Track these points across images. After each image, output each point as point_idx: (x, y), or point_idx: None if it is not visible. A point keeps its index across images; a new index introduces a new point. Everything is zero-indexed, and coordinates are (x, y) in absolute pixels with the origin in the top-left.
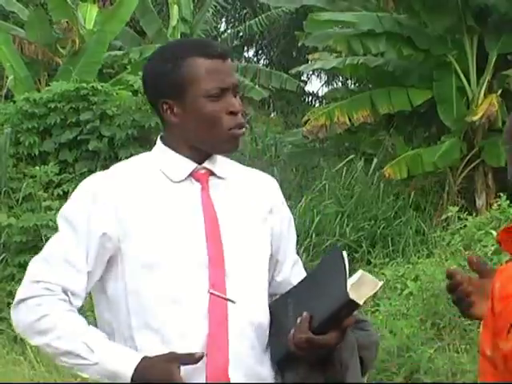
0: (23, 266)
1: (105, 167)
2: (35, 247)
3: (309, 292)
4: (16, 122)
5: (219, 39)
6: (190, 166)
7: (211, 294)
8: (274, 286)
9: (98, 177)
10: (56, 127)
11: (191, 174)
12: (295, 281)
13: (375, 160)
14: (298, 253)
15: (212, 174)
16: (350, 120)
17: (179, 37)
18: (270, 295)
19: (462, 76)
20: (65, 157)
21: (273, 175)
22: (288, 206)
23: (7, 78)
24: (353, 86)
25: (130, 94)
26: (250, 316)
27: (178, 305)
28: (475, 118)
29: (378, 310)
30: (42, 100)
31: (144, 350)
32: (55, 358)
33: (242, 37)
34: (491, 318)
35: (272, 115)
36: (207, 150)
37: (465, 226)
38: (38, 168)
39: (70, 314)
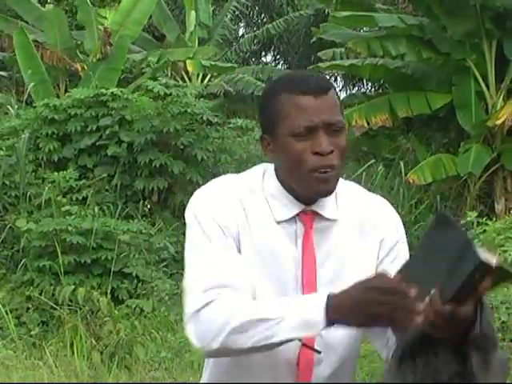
0: (42, 271)
1: (124, 172)
2: (54, 252)
3: (428, 264)
4: (36, 127)
5: (237, 43)
6: (298, 207)
7: (303, 344)
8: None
9: (230, 180)
10: (75, 133)
11: (297, 215)
12: None
13: (396, 165)
14: None
15: (319, 215)
16: (368, 124)
17: (197, 41)
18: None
19: (480, 80)
20: (84, 162)
21: None
22: None
23: (28, 83)
24: (370, 90)
25: (149, 99)
26: (335, 366)
27: (271, 353)
28: (498, 123)
29: None
30: (62, 106)
31: None
32: (243, 342)
33: (259, 41)
34: None
35: None
36: (298, 191)
37: (484, 230)
38: (57, 173)
39: (237, 297)
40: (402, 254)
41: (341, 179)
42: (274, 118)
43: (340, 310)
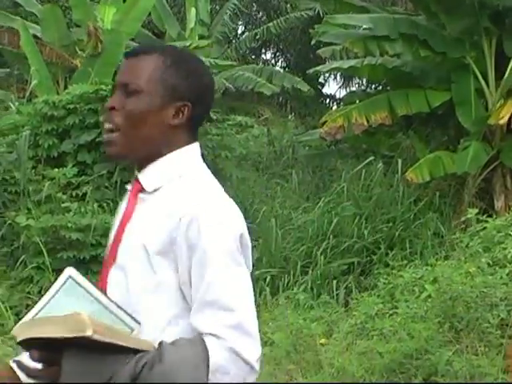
0: (41, 268)
1: (124, 169)
2: (54, 249)
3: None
4: (35, 124)
5: (237, 41)
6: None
7: None
8: None
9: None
10: (75, 129)
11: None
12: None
13: (395, 162)
14: (315, 255)
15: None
16: (367, 121)
17: (197, 39)
18: None
19: (480, 78)
20: (83, 158)
21: (290, 177)
22: (305, 208)
23: (30, 80)
24: (370, 87)
25: None
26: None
27: None
28: (501, 122)
29: (396, 312)
30: (61, 102)
31: None
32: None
33: (259, 39)
34: None
35: (289, 117)
36: None
37: (484, 228)
38: (56, 170)
39: None
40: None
41: (207, 180)
42: None
43: None
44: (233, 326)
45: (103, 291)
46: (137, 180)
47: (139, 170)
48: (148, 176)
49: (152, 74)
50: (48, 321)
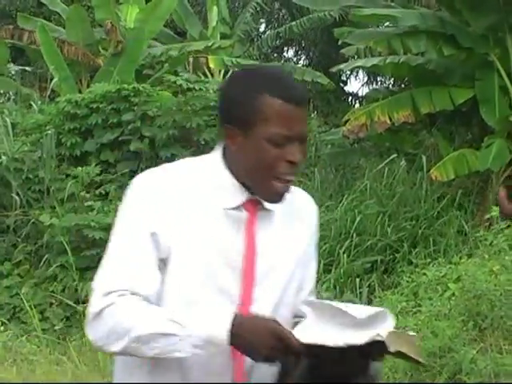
0: (65, 267)
1: (146, 168)
2: (77, 248)
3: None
4: (58, 123)
5: (259, 40)
6: (245, 195)
7: None
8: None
9: (159, 178)
10: (97, 128)
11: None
12: (303, 310)
13: (418, 160)
14: (338, 253)
15: (260, 204)
16: (390, 119)
17: (219, 37)
18: None
19: (504, 75)
20: (106, 157)
21: (313, 175)
22: (328, 206)
23: (51, 79)
24: (392, 85)
25: (171, 94)
26: None
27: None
28: None
29: (419, 310)
30: (84, 101)
31: None
32: (144, 352)
33: (281, 38)
34: None
35: (312, 116)
36: (252, 188)
37: (508, 226)
38: (79, 169)
39: (143, 303)
40: (316, 242)
41: None
42: (253, 117)
43: (238, 338)
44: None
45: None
46: (249, 199)
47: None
48: None
49: None
50: (405, 338)
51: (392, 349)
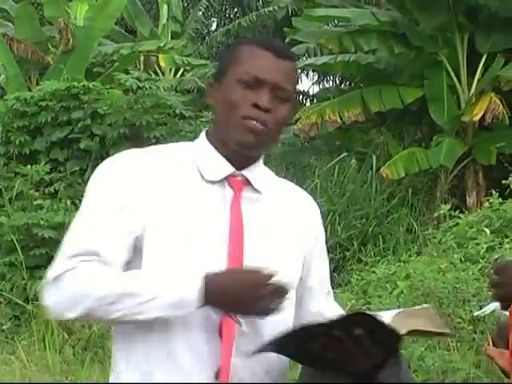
0: (14, 265)
1: (96, 166)
2: (27, 246)
3: None
4: (7, 120)
5: (209, 37)
6: (228, 169)
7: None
8: (307, 316)
9: (134, 154)
10: (47, 126)
11: (226, 178)
12: (328, 313)
13: (368, 159)
14: None
15: (248, 183)
16: (341, 118)
17: (169, 35)
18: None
19: (452, 74)
20: (56, 155)
21: None
22: None
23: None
24: (343, 84)
25: (121, 92)
26: (259, 343)
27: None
28: (476, 119)
29: (369, 308)
30: (33, 99)
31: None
32: (106, 315)
33: (231, 34)
34: None
35: None
36: (227, 141)
37: (456, 224)
38: (29, 167)
39: (107, 267)
40: (321, 243)
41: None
42: (228, 63)
43: (213, 294)
44: None
45: None
46: (234, 176)
47: (238, 167)
48: (256, 175)
49: (295, 85)
50: (416, 314)
51: (403, 330)
